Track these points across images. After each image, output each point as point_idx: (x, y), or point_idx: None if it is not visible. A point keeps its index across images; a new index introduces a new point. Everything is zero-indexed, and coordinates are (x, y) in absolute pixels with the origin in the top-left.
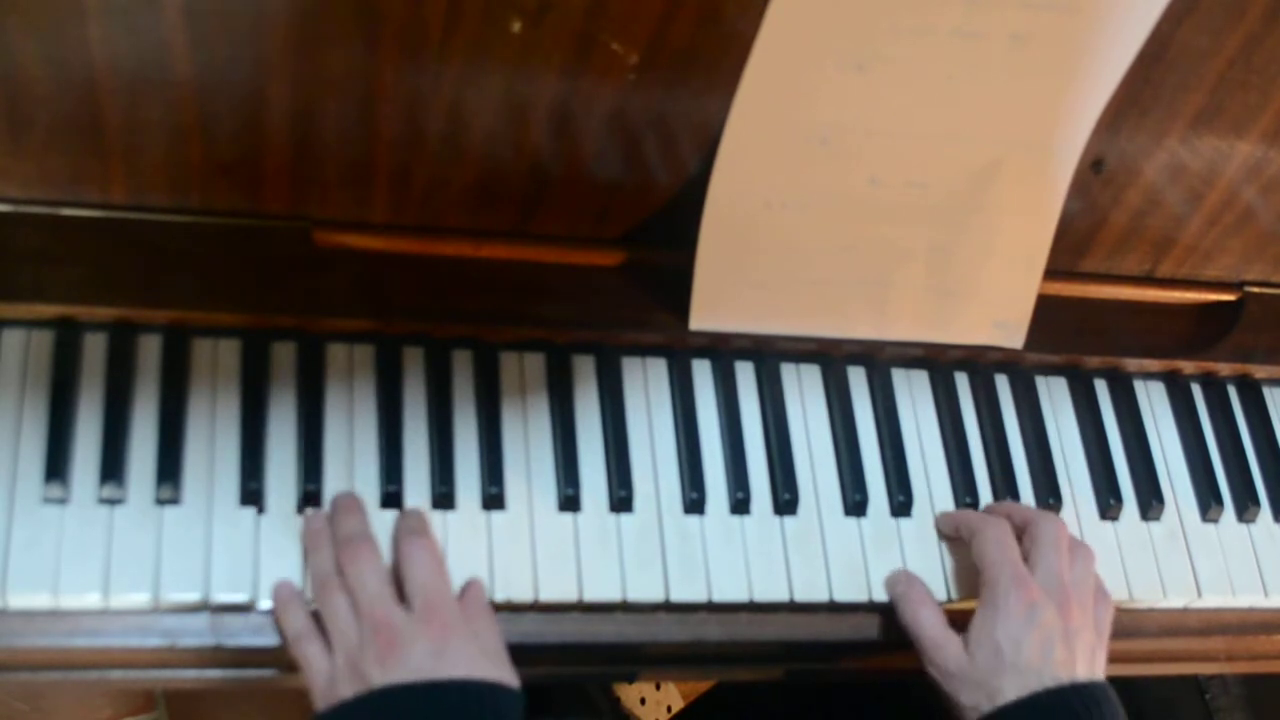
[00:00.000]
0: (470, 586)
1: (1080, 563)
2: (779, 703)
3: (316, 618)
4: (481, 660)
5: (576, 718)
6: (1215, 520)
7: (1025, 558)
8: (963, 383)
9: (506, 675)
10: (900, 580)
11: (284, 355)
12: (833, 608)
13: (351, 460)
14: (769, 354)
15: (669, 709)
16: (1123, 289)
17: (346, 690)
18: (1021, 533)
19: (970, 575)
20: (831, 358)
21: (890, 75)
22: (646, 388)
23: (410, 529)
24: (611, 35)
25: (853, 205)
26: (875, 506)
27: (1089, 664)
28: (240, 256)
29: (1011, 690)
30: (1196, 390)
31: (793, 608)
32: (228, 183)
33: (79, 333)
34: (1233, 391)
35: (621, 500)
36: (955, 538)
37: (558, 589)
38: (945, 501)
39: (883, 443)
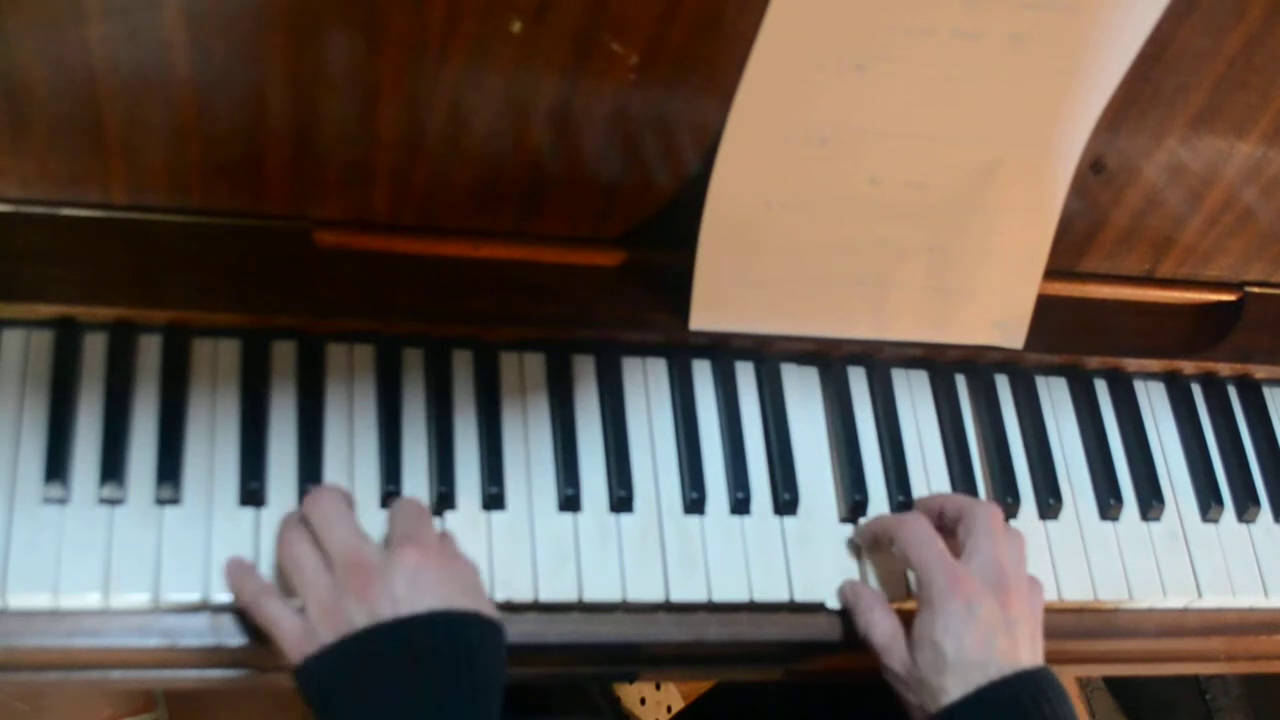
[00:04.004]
0: (444, 535)
1: (1015, 549)
2: (779, 703)
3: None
4: (459, 591)
5: (576, 718)
6: (1215, 520)
7: (960, 547)
8: (962, 383)
9: (487, 608)
10: (849, 591)
11: (284, 355)
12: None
13: (351, 460)
14: (769, 354)
15: (669, 709)
16: (1123, 289)
17: (327, 635)
18: (955, 523)
19: None
20: (831, 358)
21: (890, 75)
22: (646, 388)
23: (400, 501)
24: (611, 35)
25: (853, 205)
26: (875, 507)
27: (1031, 651)
28: (240, 256)
29: (955, 688)
30: (1196, 390)
31: (793, 608)
32: (228, 183)
33: (79, 333)
34: (1233, 391)
35: (621, 500)
36: (876, 547)
37: (558, 589)
38: None
39: (882, 443)
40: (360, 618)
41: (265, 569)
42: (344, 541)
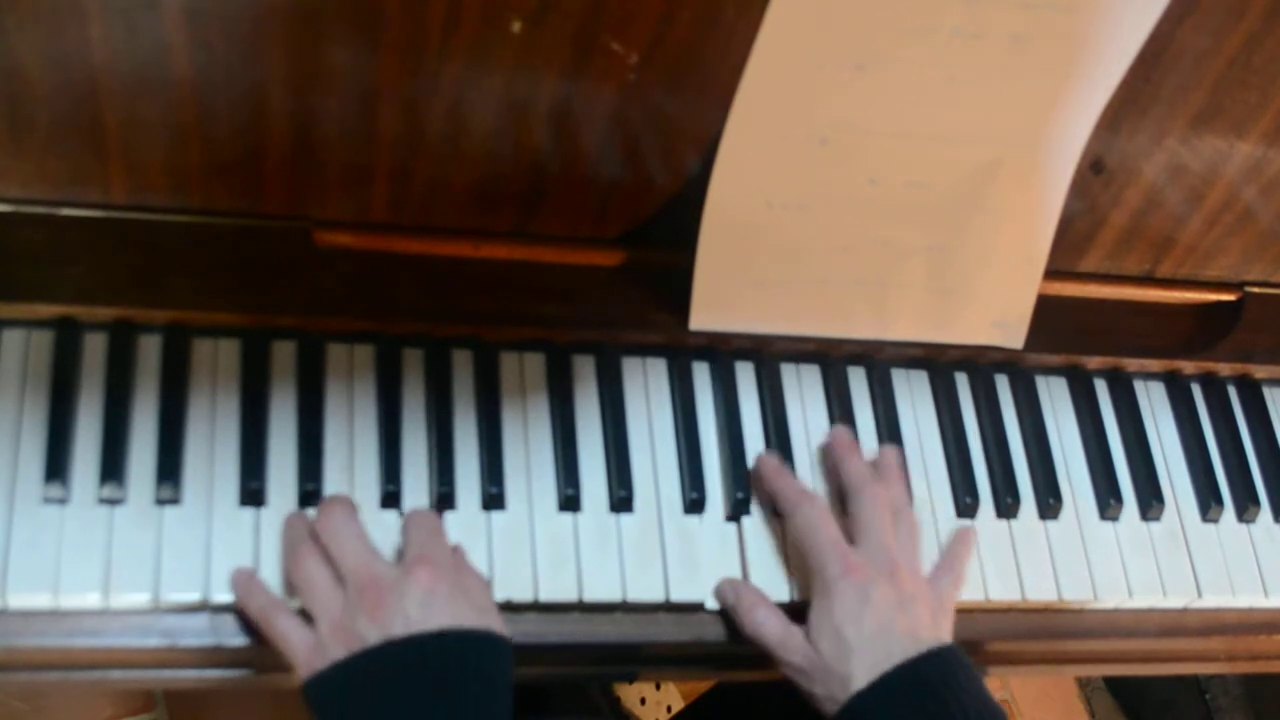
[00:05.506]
0: (455, 548)
1: (905, 530)
2: (779, 703)
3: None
4: (470, 610)
5: (576, 718)
6: (1215, 520)
7: (852, 527)
8: (963, 383)
9: (498, 626)
10: (728, 590)
11: (284, 355)
12: None
13: (351, 460)
14: (769, 354)
15: (669, 709)
16: (1123, 289)
17: (338, 651)
18: (848, 500)
19: (974, 576)
20: (831, 358)
21: (890, 75)
22: (646, 388)
23: (414, 509)
24: (611, 35)
25: (853, 205)
26: None
27: (932, 628)
28: (240, 256)
29: (861, 674)
30: (1196, 390)
31: (793, 608)
32: (228, 183)
33: (79, 333)
34: (1233, 391)
35: (621, 500)
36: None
37: (558, 589)
38: (945, 502)
39: (882, 443)
40: (372, 635)
41: (265, 570)
42: (357, 559)
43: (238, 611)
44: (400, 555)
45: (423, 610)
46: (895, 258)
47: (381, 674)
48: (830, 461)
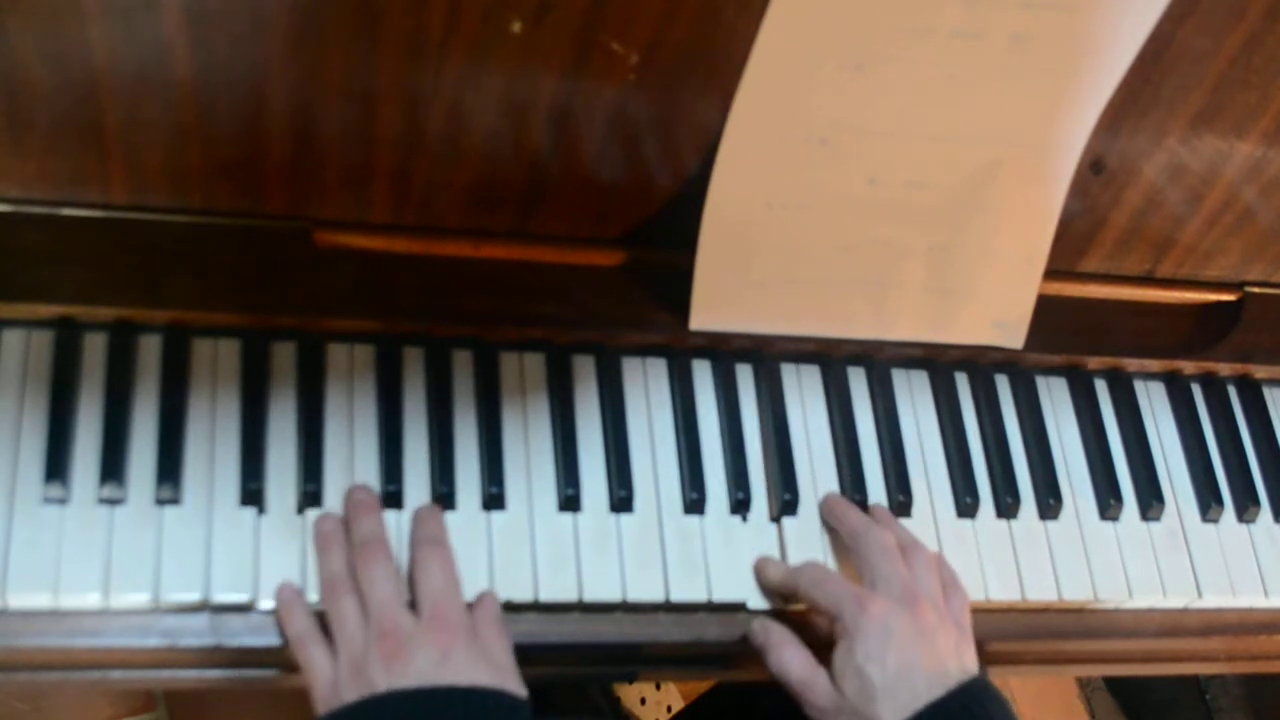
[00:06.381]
0: (483, 599)
1: (918, 561)
2: (779, 703)
3: (320, 619)
4: (485, 670)
5: (576, 718)
6: (1215, 520)
7: (860, 573)
8: (963, 383)
9: (512, 685)
10: (758, 631)
11: (284, 355)
12: None
13: (351, 460)
14: (769, 354)
15: (669, 709)
16: (1123, 289)
17: (350, 694)
18: (853, 550)
19: (974, 577)
20: (831, 358)
21: (890, 75)
22: (646, 388)
23: (428, 537)
24: (611, 35)
25: (853, 205)
26: None
27: (957, 659)
28: (240, 256)
29: (889, 716)
30: (1196, 390)
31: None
32: (228, 183)
33: (79, 333)
34: (1233, 391)
35: (621, 500)
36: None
37: (558, 589)
38: (946, 502)
39: (882, 443)
40: (383, 684)
41: (266, 570)
42: (384, 606)
43: (237, 610)
44: (411, 574)
45: (436, 669)
46: (895, 258)
47: None
48: (830, 522)
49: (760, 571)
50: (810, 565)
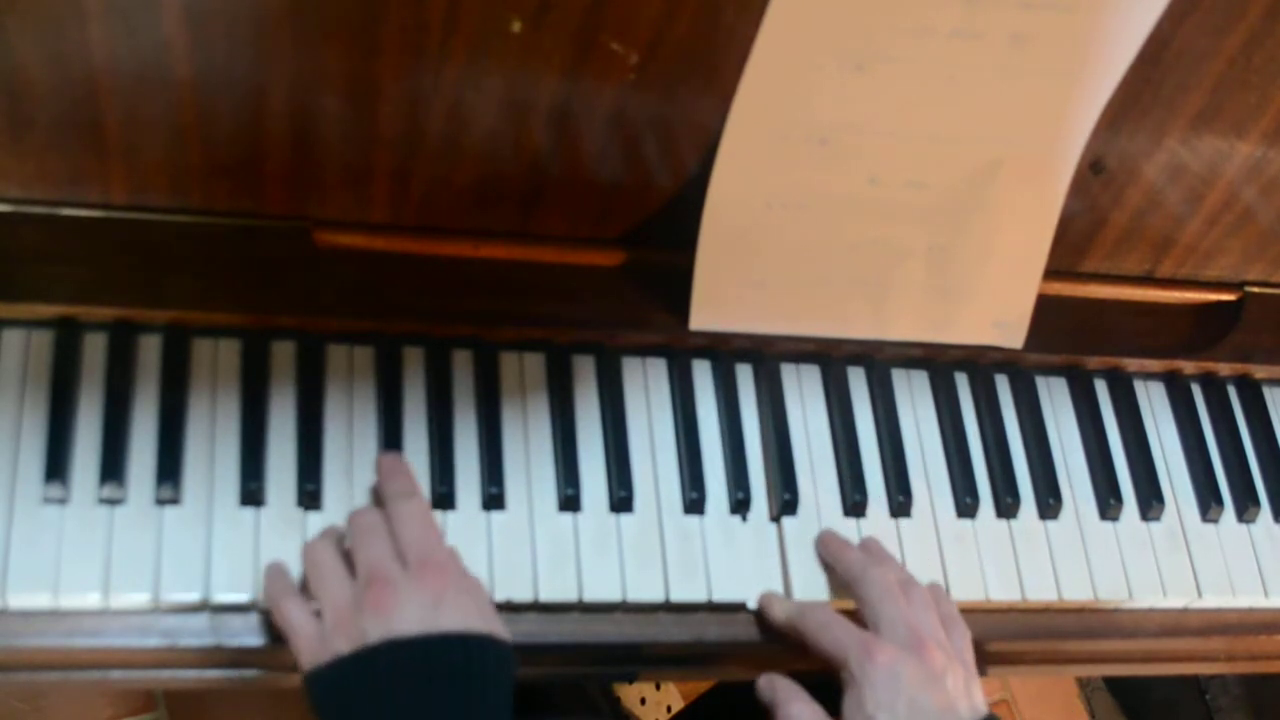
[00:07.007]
0: (451, 551)
1: (917, 600)
2: None
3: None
4: (476, 614)
5: (576, 718)
6: (1215, 520)
7: (863, 615)
8: (963, 383)
9: (499, 629)
10: (764, 688)
11: (284, 355)
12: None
13: (351, 460)
14: (769, 354)
15: (669, 709)
16: (1123, 289)
17: (341, 645)
18: (852, 589)
19: (974, 577)
20: (831, 358)
21: (890, 75)
22: (646, 388)
23: (398, 492)
24: (611, 35)
25: (853, 205)
26: (875, 507)
27: (968, 700)
28: (240, 256)
29: None
30: (1196, 390)
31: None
32: (228, 183)
33: (79, 333)
34: (1233, 391)
35: (621, 500)
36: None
37: (558, 589)
38: (946, 502)
39: (882, 443)
40: (375, 633)
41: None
42: (377, 557)
43: (236, 610)
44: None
45: (430, 613)
46: (895, 258)
47: (383, 673)
48: (825, 559)
49: (766, 609)
50: (815, 607)
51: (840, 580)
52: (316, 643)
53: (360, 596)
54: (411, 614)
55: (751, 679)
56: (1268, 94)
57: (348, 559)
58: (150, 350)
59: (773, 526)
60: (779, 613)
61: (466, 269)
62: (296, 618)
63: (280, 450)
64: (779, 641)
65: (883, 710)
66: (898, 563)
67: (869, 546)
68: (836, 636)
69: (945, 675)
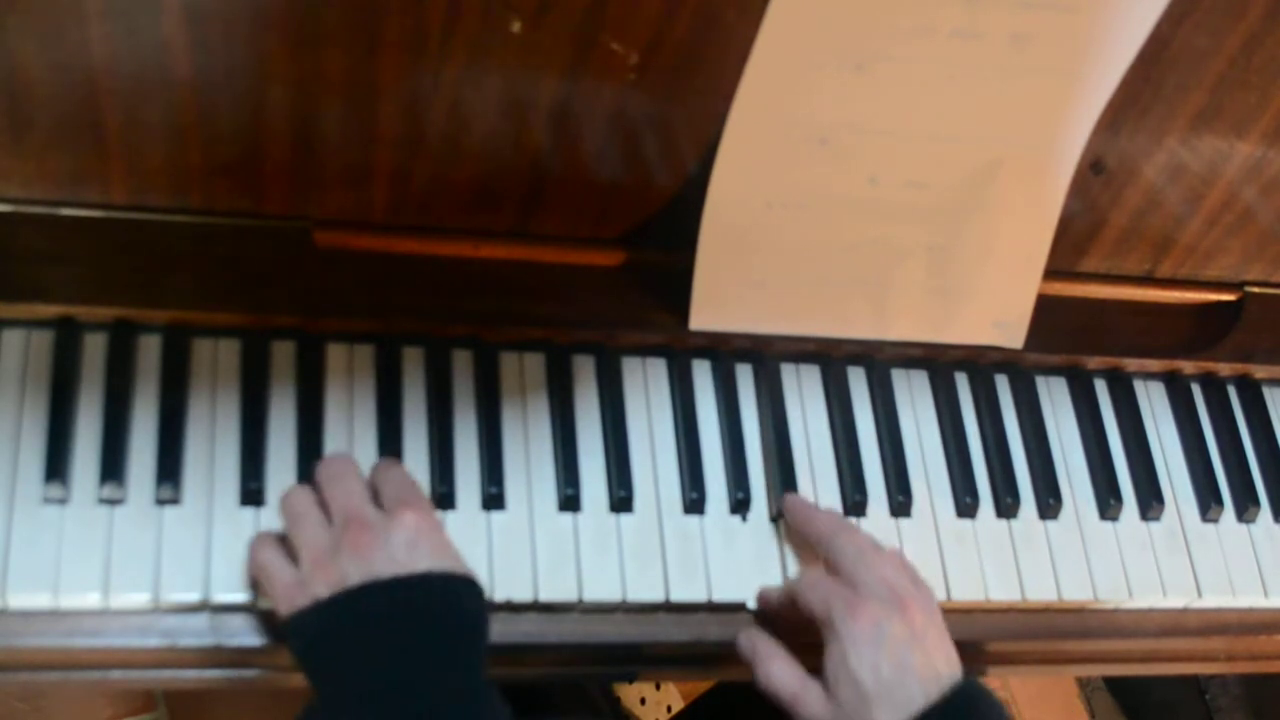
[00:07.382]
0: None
1: (891, 561)
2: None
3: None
4: (451, 556)
5: (576, 718)
6: (1215, 520)
7: (840, 578)
8: (963, 383)
9: (470, 571)
10: (745, 644)
11: (284, 355)
12: None
13: None
14: (769, 354)
15: (669, 709)
16: (1123, 289)
17: (320, 588)
18: (826, 556)
19: (974, 577)
20: (831, 358)
21: (890, 75)
22: (646, 388)
23: (383, 463)
24: (611, 35)
25: (852, 205)
26: (875, 506)
27: (946, 658)
28: (240, 256)
29: None
30: (1196, 390)
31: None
32: (228, 183)
33: (79, 333)
34: (1233, 391)
35: (621, 500)
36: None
37: (558, 589)
38: (945, 502)
39: (882, 443)
40: (356, 574)
41: None
42: (349, 499)
43: (236, 610)
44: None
45: (409, 552)
46: (895, 258)
47: (366, 614)
48: (794, 525)
49: (763, 597)
50: (808, 569)
51: (810, 544)
52: (295, 588)
53: (339, 539)
54: (392, 554)
55: (751, 679)
56: (1268, 94)
57: (326, 510)
58: (150, 350)
59: (773, 526)
60: (774, 597)
61: (466, 269)
62: (272, 561)
63: (280, 450)
64: (778, 635)
65: (865, 669)
66: (858, 528)
67: (832, 515)
68: (821, 593)
69: (925, 634)
